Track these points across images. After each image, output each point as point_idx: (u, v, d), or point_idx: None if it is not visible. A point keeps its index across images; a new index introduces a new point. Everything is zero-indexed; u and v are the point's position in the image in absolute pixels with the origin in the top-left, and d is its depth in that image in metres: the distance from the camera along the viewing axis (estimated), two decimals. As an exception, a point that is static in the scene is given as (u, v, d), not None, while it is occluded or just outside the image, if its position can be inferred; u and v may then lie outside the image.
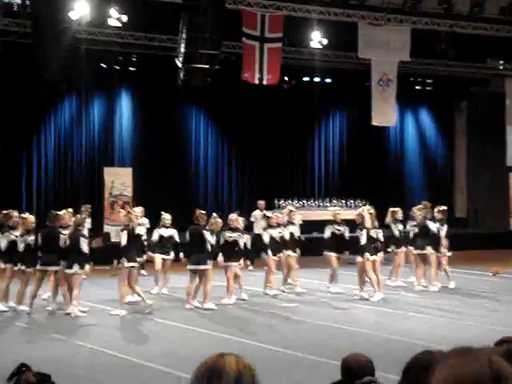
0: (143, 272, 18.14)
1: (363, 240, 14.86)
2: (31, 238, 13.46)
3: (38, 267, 13.37)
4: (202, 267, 13.86)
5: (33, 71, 19.28)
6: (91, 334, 11.81)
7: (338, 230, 15.92)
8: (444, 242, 16.60)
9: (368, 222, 14.98)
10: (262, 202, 20.67)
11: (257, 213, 20.25)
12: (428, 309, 13.93)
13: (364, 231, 14.92)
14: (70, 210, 14.92)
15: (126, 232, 13.50)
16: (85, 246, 13.30)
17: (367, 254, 14.81)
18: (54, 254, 13.27)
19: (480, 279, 18.23)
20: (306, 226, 20.08)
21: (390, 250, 16.85)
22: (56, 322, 12.75)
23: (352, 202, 25.51)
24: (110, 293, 14.44)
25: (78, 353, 10.44)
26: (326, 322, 12.55)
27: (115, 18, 19.53)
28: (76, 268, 13.14)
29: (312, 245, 18.88)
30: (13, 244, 13.53)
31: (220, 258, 14.46)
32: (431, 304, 14.47)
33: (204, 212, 14.63)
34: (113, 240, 20.76)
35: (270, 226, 15.87)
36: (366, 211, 15.38)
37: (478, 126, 29.28)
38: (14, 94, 21.82)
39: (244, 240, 14.72)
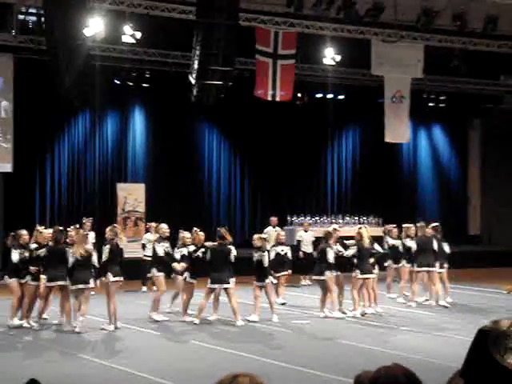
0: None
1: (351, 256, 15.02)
2: (41, 250, 13.48)
3: (46, 283, 13.36)
4: (224, 286, 13.90)
5: (47, 88, 19.40)
6: (103, 350, 11.79)
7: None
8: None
9: (366, 241, 15.05)
10: (274, 219, 20.62)
11: (269, 229, 20.21)
12: (440, 327, 13.83)
13: (355, 248, 14.98)
14: (78, 226, 14.96)
15: (108, 246, 13.52)
16: (95, 260, 13.38)
17: (358, 272, 14.91)
18: (60, 270, 13.27)
19: (494, 297, 18.09)
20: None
21: (400, 265, 16.97)
22: (66, 337, 12.74)
23: (365, 218, 25.44)
24: (121, 308, 14.42)
25: (89, 369, 10.42)
26: (338, 339, 12.49)
27: (129, 34, 19.62)
28: (92, 282, 13.19)
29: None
30: (24, 261, 13.56)
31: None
32: (442, 322, 14.37)
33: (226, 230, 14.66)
34: (125, 256, 20.79)
35: (328, 243, 15.01)
36: (365, 230, 15.50)
37: (491, 143, 29.20)
38: (29, 110, 21.93)
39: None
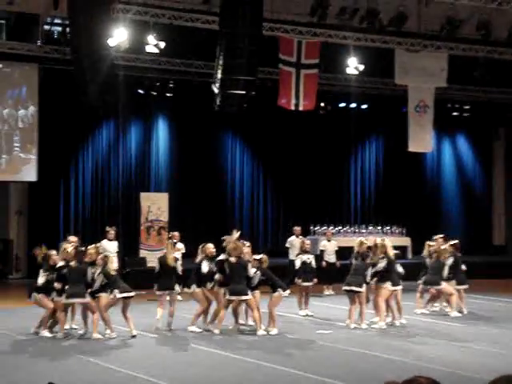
0: (179, 297, 18.14)
1: (382, 268, 14.83)
2: (65, 270, 13.49)
3: (64, 300, 13.40)
4: (242, 298, 13.88)
5: (72, 97, 19.56)
6: (126, 359, 11.79)
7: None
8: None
9: (391, 253, 14.91)
10: (297, 228, 20.54)
11: (292, 238, 20.16)
12: (464, 338, 13.70)
13: (385, 260, 14.80)
14: (99, 244, 15.03)
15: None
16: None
17: (388, 283, 14.74)
18: (81, 288, 13.33)
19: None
20: (342, 253, 20.03)
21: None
22: (90, 346, 12.77)
23: (388, 228, 25.35)
24: (145, 316, 14.46)
25: (112, 377, 10.43)
26: (362, 350, 12.41)
27: (153, 44, 19.75)
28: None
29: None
30: (51, 281, 13.63)
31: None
32: (466, 332, 14.24)
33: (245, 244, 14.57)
34: (149, 265, 20.83)
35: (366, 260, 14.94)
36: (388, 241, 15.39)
37: (516, 153, 28.98)
38: (53, 119, 22.12)
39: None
